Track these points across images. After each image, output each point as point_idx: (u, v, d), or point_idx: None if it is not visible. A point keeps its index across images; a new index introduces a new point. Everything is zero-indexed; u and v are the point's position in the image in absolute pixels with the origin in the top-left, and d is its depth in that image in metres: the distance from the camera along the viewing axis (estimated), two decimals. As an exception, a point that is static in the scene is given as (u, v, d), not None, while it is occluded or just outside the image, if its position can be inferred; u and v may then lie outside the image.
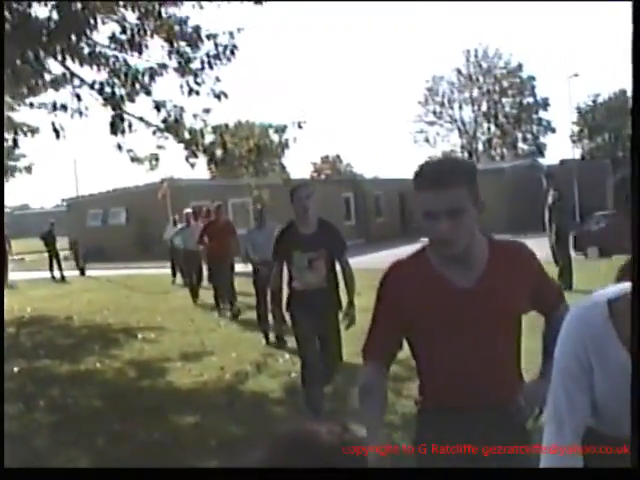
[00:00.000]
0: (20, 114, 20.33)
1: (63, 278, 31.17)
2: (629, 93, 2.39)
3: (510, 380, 3.35)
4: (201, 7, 13.43)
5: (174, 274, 25.89)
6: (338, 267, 8.20)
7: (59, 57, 12.53)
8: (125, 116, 13.31)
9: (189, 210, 20.78)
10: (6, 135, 20.63)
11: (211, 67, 13.09)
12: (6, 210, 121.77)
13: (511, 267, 3.29)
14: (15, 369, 12.22)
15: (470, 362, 3.22)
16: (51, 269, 31.90)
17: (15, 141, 19.31)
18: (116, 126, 13.03)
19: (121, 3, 12.58)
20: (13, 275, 34.19)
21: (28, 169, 23.89)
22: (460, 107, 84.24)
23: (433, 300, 3.24)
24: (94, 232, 44.09)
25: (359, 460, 1.56)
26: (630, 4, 2.26)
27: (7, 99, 18.55)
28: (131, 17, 13.18)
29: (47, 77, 14.22)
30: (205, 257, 17.58)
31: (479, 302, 3.21)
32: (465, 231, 3.12)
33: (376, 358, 3.39)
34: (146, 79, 13.43)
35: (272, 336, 12.71)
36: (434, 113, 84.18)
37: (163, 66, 13.35)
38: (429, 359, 3.38)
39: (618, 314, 2.41)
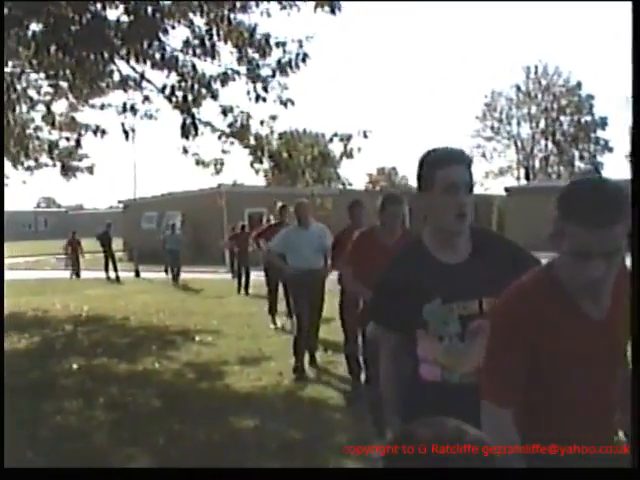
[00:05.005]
0: (83, 114, 20.57)
1: (118, 279, 31.41)
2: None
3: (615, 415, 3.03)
4: (269, 15, 13.49)
5: (273, 309, 16.79)
6: None
7: (131, 60, 12.67)
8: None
9: (303, 201, 12.03)
10: (69, 135, 20.92)
11: (282, 74, 13.12)
12: (61, 210, 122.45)
13: (622, 288, 2.85)
14: (74, 366, 12.35)
15: (592, 398, 2.86)
16: (106, 269, 32.18)
17: (78, 141, 19.56)
18: (187, 130, 13.13)
19: (194, 4, 12.67)
20: (67, 273, 34.64)
21: (90, 169, 24.12)
22: (518, 123, 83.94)
23: (568, 330, 2.78)
24: (149, 234, 44.38)
25: (481, 460, 1.60)
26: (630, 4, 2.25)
27: (71, 99, 18.81)
28: (199, 22, 13.30)
29: (115, 78, 14.39)
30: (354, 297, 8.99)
31: (608, 335, 2.83)
32: (616, 271, 2.70)
33: (504, 403, 2.77)
34: (218, 85, 13.52)
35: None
36: (492, 129, 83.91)
37: (236, 72, 13.42)
38: (549, 394, 2.85)
39: None
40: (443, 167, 3.43)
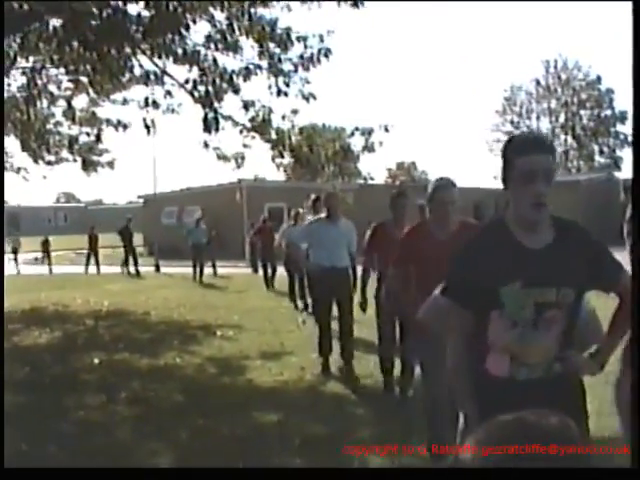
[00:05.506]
0: (103, 109, 20.56)
1: (138, 273, 31.45)
2: None
3: None
4: (289, 9, 13.47)
5: (303, 305, 16.83)
6: None
7: (154, 55, 12.68)
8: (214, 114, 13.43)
9: (334, 191, 12.08)
10: (89, 130, 20.96)
11: (304, 69, 13.11)
12: (81, 205, 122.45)
13: None
14: (96, 361, 12.33)
15: None
16: (127, 264, 32.22)
17: (98, 136, 19.60)
18: (209, 124, 13.15)
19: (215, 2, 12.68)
20: (92, 268, 34.67)
21: (110, 164, 24.10)
22: (538, 118, 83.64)
23: None
24: (169, 229, 44.44)
25: (582, 459, 1.55)
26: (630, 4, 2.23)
27: (92, 94, 18.84)
28: (220, 17, 13.30)
29: (137, 73, 14.40)
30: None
31: None
32: None
33: None
34: (239, 79, 13.54)
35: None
36: (512, 123, 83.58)
37: (258, 67, 13.43)
38: None
39: None
40: (522, 155, 3.36)
